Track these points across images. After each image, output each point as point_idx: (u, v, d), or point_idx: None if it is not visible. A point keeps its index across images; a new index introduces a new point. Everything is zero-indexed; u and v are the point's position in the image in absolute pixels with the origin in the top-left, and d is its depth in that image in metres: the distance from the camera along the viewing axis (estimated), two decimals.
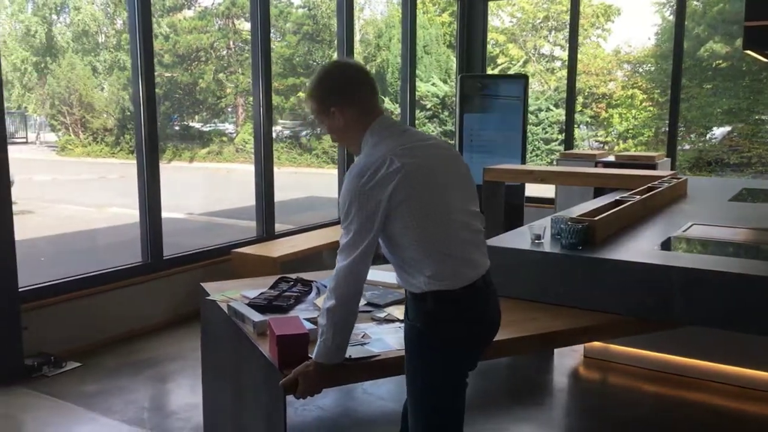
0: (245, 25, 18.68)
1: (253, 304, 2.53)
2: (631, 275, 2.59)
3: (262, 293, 2.71)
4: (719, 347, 3.57)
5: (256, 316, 2.35)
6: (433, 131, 15.99)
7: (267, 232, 5.63)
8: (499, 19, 17.35)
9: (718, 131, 13.74)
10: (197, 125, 20.64)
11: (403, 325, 2.11)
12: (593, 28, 16.62)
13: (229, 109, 20.66)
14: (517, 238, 3.07)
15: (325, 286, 2.78)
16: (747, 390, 3.55)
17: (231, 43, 19.04)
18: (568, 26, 7.93)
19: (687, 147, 13.56)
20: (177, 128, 20.00)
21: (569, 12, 7.67)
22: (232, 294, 2.75)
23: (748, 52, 4.46)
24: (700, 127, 13.67)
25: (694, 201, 4.18)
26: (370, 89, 1.98)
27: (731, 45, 12.47)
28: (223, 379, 2.73)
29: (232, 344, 2.53)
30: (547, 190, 7.34)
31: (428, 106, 14.88)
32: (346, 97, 1.94)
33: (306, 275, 2.99)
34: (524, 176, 5.47)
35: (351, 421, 3.37)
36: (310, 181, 15.07)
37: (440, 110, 15.14)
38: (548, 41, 17.35)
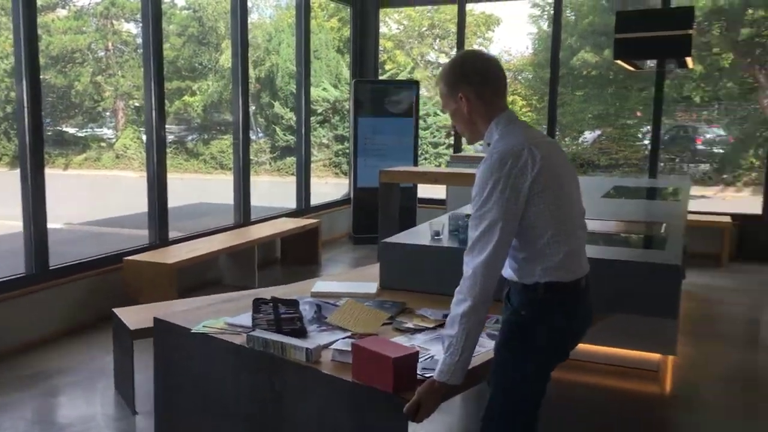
0: (125, 26, 17.95)
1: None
2: None
3: (254, 319, 2.38)
4: (603, 330, 3.87)
5: (306, 343, 2.15)
6: (324, 136, 16.06)
7: (160, 239, 5.48)
8: (386, 26, 17.72)
9: (589, 135, 14.75)
10: (72, 130, 19.50)
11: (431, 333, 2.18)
12: (475, 36, 17.36)
13: (108, 114, 19.69)
14: (417, 236, 3.25)
15: (330, 304, 2.60)
16: (625, 369, 3.92)
17: (110, 44, 18.18)
18: (452, 34, 8.28)
19: None
20: (49, 133, 18.82)
21: (456, 20, 8.02)
22: (214, 323, 2.44)
23: (618, 61, 4.91)
24: (573, 131, 14.61)
25: None
26: (503, 85, 1.98)
27: (600, 55, 13.43)
28: (226, 418, 2.38)
29: (255, 378, 2.25)
30: (438, 192, 7.63)
31: (319, 111, 14.94)
32: (479, 86, 1.92)
33: (269, 291, 2.82)
34: (419, 178, 5.68)
35: None
36: (198, 187, 14.66)
37: (331, 115, 15.27)
38: (434, 48, 17.94)
